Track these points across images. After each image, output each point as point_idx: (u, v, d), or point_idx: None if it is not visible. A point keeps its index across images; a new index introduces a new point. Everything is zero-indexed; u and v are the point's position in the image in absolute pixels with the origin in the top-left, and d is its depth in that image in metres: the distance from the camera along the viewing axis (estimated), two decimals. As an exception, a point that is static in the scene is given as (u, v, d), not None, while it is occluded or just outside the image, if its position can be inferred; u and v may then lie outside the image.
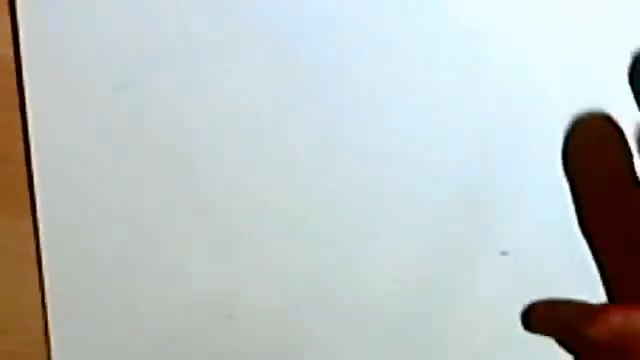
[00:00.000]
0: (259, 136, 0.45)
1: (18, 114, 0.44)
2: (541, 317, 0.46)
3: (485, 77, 0.44)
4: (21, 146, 0.44)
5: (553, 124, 0.45)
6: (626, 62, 0.44)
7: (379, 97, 0.44)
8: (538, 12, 0.43)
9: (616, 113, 0.44)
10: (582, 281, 0.45)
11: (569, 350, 0.44)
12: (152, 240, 0.47)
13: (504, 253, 0.47)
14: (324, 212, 0.46)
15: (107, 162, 0.45)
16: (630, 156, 0.43)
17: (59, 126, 0.44)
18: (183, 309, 0.48)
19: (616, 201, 0.42)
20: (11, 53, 0.43)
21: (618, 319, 0.40)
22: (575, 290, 0.46)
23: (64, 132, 0.44)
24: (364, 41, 0.43)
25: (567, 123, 0.44)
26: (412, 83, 0.44)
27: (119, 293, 0.47)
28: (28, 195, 0.46)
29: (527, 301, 0.47)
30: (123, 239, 0.46)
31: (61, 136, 0.44)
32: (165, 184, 0.46)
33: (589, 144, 0.44)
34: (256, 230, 0.47)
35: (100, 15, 0.42)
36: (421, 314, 0.48)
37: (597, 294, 0.44)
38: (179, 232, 0.47)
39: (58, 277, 0.47)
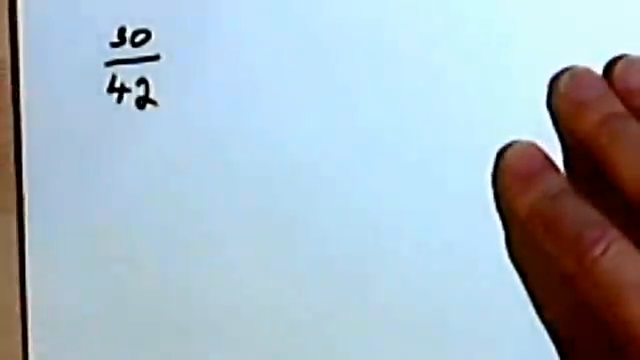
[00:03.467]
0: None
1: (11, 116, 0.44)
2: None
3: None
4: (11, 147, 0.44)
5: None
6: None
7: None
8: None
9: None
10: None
11: None
12: (147, 241, 0.46)
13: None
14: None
15: (102, 166, 0.45)
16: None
17: (52, 129, 0.44)
18: (176, 309, 0.48)
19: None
20: (8, 56, 0.43)
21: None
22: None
23: (57, 135, 0.44)
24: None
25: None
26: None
27: (105, 300, 0.46)
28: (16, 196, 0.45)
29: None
30: (115, 241, 0.46)
31: (53, 140, 0.44)
32: (161, 186, 0.46)
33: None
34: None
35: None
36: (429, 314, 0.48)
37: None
38: (175, 232, 0.46)
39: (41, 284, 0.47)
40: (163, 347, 0.48)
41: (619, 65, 0.42)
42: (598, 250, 0.38)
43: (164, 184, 0.45)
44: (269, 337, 0.48)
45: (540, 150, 0.42)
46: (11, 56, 0.43)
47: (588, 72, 0.42)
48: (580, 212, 0.39)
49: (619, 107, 0.41)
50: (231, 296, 0.47)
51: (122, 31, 0.43)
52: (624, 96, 0.41)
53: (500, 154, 0.43)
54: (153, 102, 0.44)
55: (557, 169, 0.42)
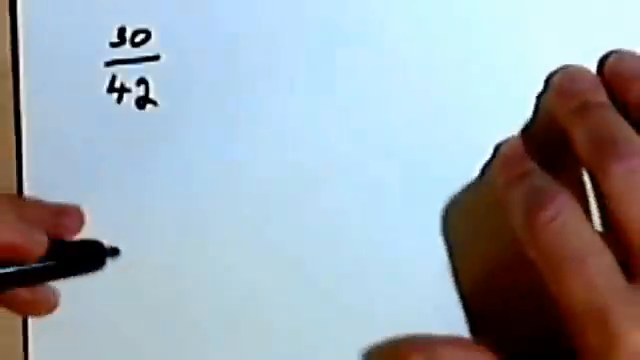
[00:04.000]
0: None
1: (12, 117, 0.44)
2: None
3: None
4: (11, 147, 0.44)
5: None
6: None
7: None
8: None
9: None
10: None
11: None
12: (147, 241, 0.46)
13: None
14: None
15: (102, 166, 0.45)
16: None
17: (52, 129, 0.44)
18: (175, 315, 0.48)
19: None
20: (9, 56, 0.43)
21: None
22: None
23: (57, 135, 0.44)
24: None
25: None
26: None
27: (105, 300, 0.46)
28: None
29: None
30: (115, 241, 0.46)
31: (53, 140, 0.44)
32: (161, 186, 0.46)
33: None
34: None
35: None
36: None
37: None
38: (175, 232, 0.46)
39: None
40: (163, 347, 0.48)
41: (610, 59, 0.43)
42: (546, 216, 0.38)
43: (164, 184, 0.45)
44: (271, 338, 0.48)
45: (518, 142, 0.44)
46: (11, 56, 0.43)
47: (581, 68, 0.43)
48: (540, 180, 0.40)
49: (602, 97, 0.41)
50: (232, 296, 0.47)
51: (122, 31, 0.43)
52: (614, 87, 0.42)
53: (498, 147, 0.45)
54: (153, 102, 0.44)
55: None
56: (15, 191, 0.45)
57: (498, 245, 0.43)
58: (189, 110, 0.45)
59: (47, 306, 0.45)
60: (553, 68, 0.44)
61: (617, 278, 0.38)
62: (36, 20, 0.42)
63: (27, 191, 0.45)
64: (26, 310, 0.44)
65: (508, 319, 0.44)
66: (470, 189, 0.45)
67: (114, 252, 0.45)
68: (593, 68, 0.44)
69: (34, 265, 0.42)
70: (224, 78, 0.44)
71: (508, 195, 0.41)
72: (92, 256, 0.44)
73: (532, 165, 0.42)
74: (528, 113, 0.45)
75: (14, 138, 0.44)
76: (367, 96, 0.46)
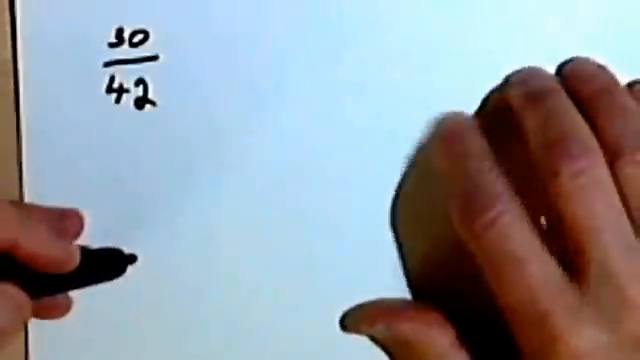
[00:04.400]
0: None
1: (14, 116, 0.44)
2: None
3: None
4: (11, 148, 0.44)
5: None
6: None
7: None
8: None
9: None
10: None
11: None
12: (147, 241, 0.46)
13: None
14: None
15: (101, 167, 0.45)
16: None
17: (51, 129, 0.44)
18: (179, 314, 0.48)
19: None
20: (9, 56, 0.42)
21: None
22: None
23: (56, 136, 0.44)
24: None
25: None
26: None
27: (105, 300, 0.46)
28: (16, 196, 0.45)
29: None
30: (115, 242, 0.46)
31: (52, 140, 0.44)
32: (160, 186, 0.46)
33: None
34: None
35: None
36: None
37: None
38: (175, 232, 0.46)
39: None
40: (164, 347, 0.48)
41: (567, 64, 0.42)
42: (486, 219, 0.38)
43: (163, 184, 0.45)
44: (272, 338, 0.48)
45: (467, 117, 0.43)
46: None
47: (540, 68, 0.43)
48: (483, 178, 0.40)
49: (555, 85, 0.41)
50: (232, 296, 0.47)
51: (120, 31, 0.43)
52: (571, 87, 0.42)
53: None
54: (152, 102, 0.44)
55: (481, 134, 0.42)
56: (16, 191, 0.45)
57: (444, 227, 0.43)
58: (188, 110, 0.45)
59: (63, 310, 0.45)
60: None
61: (557, 280, 0.38)
62: (35, 21, 0.42)
63: (27, 191, 0.45)
64: (45, 315, 0.44)
65: (457, 301, 0.44)
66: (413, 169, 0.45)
67: (132, 259, 0.45)
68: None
69: (62, 273, 0.42)
70: (223, 78, 0.44)
71: (447, 187, 0.41)
72: (114, 264, 0.44)
73: (476, 143, 0.42)
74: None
75: (14, 138, 0.44)
76: (367, 96, 0.46)
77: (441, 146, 0.42)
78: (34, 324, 0.46)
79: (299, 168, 0.46)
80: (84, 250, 0.43)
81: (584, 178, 0.38)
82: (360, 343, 0.47)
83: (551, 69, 0.44)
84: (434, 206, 0.44)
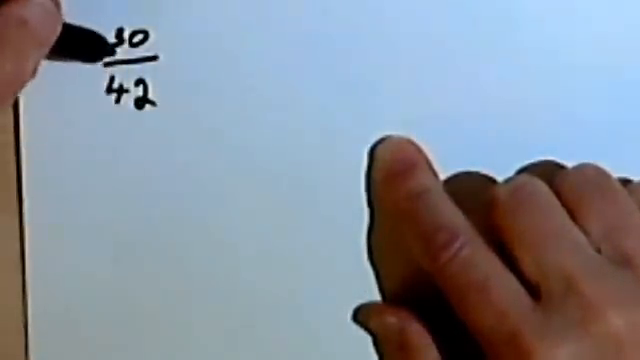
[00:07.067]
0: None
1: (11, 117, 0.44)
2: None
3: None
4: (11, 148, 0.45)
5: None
6: None
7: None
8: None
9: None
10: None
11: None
12: (147, 241, 0.46)
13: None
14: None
15: (101, 167, 0.45)
16: None
17: (51, 129, 0.44)
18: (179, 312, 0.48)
19: None
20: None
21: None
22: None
23: (56, 136, 0.44)
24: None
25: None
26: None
27: (105, 300, 0.46)
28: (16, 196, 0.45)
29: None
30: (115, 241, 0.46)
31: (52, 140, 0.44)
32: (160, 186, 0.46)
33: None
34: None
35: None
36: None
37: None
38: (175, 232, 0.46)
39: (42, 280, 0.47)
40: (164, 347, 0.48)
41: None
42: (448, 253, 0.38)
43: (163, 184, 0.45)
44: (271, 338, 0.48)
45: (413, 145, 0.42)
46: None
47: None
48: (439, 213, 0.40)
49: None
50: (232, 296, 0.47)
51: (120, 31, 0.43)
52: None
53: (373, 149, 0.43)
54: (152, 102, 0.44)
55: (429, 165, 0.42)
56: (15, 191, 0.45)
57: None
58: (188, 110, 0.45)
59: None
60: (556, 68, 0.44)
61: (523, 301, 0.38)
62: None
63: (27, 190, 0.45)
64: None
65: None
66: None
67: (111, 51, 0.44)
68: (593, 68, 0.44)
69: None
70: (222, 78, 0.44)
71: (402, 221, 0.40)
72: (93, 45, 0.43)
73: (425, 178, 0.40)
74: (533, 113, 0.45)
75: (13, 138, 0.44)
76: (367, 96, 0.46)
77: (389, 186, 0.41)
78: (34, 324, 0.46)
79: (299, 168, 0.46)
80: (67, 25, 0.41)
81: (520, 193, 0.38)
82: (360, 343, 0.47)
83: (551, 69, 0.44)
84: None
